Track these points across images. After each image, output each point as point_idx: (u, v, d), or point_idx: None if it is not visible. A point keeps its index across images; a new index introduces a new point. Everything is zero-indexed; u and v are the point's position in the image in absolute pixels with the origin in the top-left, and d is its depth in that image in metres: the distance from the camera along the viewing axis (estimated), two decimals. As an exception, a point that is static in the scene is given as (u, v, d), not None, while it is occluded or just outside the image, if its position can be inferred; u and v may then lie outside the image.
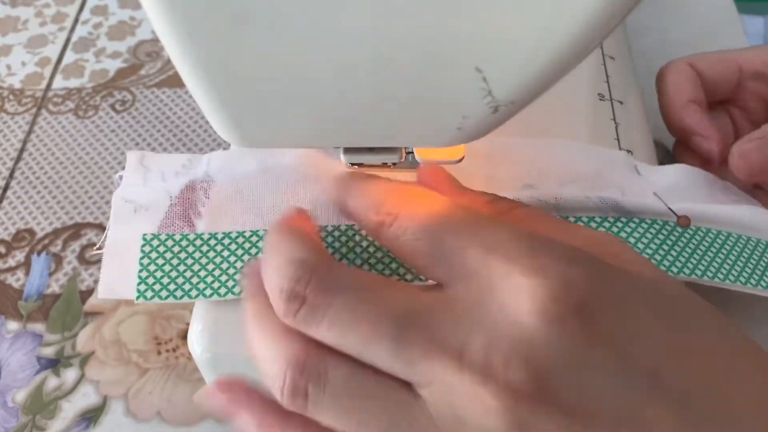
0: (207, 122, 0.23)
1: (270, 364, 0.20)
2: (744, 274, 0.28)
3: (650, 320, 0.19)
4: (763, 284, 0.28)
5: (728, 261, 0.28)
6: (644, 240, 0.27)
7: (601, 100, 0.34)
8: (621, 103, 0.34)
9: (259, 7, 0.17)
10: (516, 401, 0.18)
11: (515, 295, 0.18)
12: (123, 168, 0.32)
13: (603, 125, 0.33)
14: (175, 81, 0.46)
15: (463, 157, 0.26)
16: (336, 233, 0.27)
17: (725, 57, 0.37)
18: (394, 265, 0.26)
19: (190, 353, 0.27)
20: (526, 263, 0.19)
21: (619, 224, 0.28)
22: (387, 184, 0.23)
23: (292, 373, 0.20)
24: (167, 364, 0.34)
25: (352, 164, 0.27)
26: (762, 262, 0.29)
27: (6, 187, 0.41)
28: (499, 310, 0.18)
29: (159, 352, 0.35)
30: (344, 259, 0.26)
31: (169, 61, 0.47)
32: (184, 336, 0.35)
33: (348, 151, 0.25)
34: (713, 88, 0.36)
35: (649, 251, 0.27)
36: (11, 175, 0.42)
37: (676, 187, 0.30)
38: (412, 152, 0.27)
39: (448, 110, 0.20)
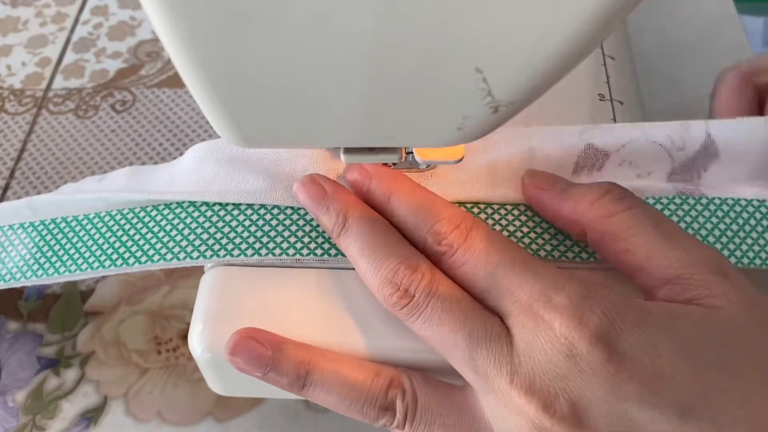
0: (207, 122, 0.23)
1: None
2: None
3: (676, 358, 0.21)
4: None
5: None
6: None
7: (601, 100, 0.34)
8: (621, 103, 0.34)
9: (259, 6, 0.17)
10: (556, 424, 0.21)
11: (550, 334, 0.22)
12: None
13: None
14: (175, 81, 0.46)
15: (462, 157, 0.26)
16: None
17: None
18: None
19: (190, 353, 0.27)
20: (558, 308, 0.22)
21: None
22: (436, 204, 0.25)
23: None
24: (167, 364, 0.34)
25: (352, 164, 0.27)
26: None
27: (6, 187, 0.41)
28: (542, 343, 0.22)
29: (159, 352, 0.35)
30: None
31: (169, 61, 0.47)
32: (184, 336, 0.35)
33: (348, 151, 0.25)
34: None
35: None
36: (11, 175, 0.42)
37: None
38: (412, 152, 0.26)
39: (448, 110, 0.20)
